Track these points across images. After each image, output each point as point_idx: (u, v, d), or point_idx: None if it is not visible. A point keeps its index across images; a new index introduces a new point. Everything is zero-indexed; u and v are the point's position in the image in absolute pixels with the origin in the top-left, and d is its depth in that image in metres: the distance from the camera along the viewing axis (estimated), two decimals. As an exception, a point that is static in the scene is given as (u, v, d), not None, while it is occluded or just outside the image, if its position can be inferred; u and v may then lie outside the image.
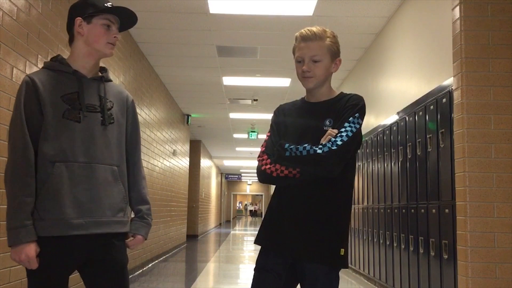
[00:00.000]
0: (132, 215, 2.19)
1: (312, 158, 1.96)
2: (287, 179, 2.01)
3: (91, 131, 2.00)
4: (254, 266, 2.15)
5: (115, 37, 2.07)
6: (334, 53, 2.11)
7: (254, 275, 2.14)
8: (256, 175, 2.17)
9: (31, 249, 1.87)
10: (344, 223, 2.09)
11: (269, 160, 2.06)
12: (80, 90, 2.01)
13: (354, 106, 2.05)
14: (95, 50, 2.05)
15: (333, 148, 1.95)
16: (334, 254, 2.03)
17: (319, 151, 1.95)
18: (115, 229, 2.03)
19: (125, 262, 2.10)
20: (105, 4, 2.04)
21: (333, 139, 1.97)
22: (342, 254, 2.04)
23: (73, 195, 1.94)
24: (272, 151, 2.09)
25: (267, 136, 2.19)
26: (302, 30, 2.12)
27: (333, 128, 2.02)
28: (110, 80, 2.16)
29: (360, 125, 2.04)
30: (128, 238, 2.13)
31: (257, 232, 2.19)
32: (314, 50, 2.07)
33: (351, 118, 2.02)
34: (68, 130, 1.96)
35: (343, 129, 1.99)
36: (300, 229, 2.03)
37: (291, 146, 2.01)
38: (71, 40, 2.08)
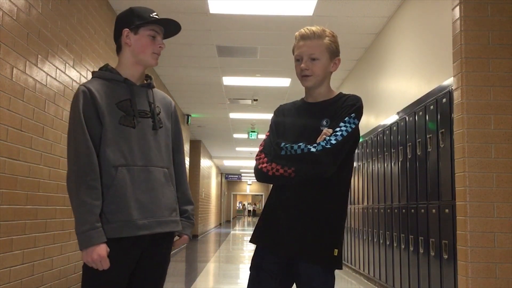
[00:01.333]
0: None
1: (306, 157, 1.97)
2: (282, 178, 2.01)
3: (144, 135, 2.10)
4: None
5: (160, 47, 2.14)
6: (333, 52, 2.12)
7: (250, 274, 2.14)
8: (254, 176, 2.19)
9: (103, 249, 1.94)
10: (338, 223, 2.09)
11: (266, 159, 2.07)
12: (132, 97, 2.10)
13: (351, 106, 2.05)
14: (141, 60, 2.13)
15: (327, 146, 1.95)
16: (328, 255, 2.03)
17: (313, 149, 1.96)
18: (173, 227, 2.14)
19: (169, 261, 2.23)
20: (151, 15, 2.11)
21: (328, 138, 1.97)
22: (336, 254, 2.03)
23: (135, 197, 2.03)
24: (270, 150, 2.10)
25: (266, 135, 2.20)
26: (302, 29, 2.13)
27: (329, 128, 2.02)
28: (154, 87, 2.25)
29: (356, 125, 2.04)
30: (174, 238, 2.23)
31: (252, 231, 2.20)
32: (312, 49, 2.08)
33: (346, 118, 2.02)
34: (125, 135, 2.05)
35: (338, 129, 2.00)
36: (295, 228, 2.04)
37: (287, 145, 2.02)
38: (118, 50, 2.16)
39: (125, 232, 1.99)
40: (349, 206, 7.86)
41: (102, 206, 1.98)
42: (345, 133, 1.99)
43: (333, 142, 1.96)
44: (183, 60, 7.92)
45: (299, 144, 1.99)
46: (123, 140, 2.04)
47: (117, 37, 2.15)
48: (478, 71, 3.47)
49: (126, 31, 2.10)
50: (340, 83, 8.87)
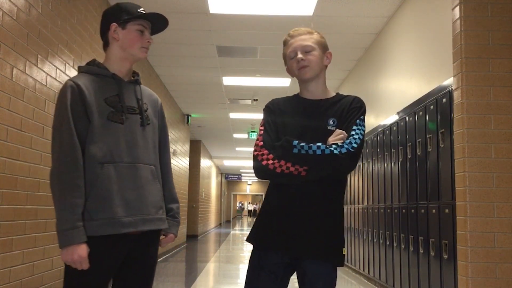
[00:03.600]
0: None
1: (327, 158, 1.96)
2: (290, 176, 1.99)
3: (132, 132, 2.08)
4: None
5: (148, 41, 2.14)
6: (324, 46, 2.17)
7: (248, 274, 2.11)
8: (254, 173, 2.14)
9: (83, 250, 1.92)
10: (343, 222, 2.13)
11: (271, 156, 2.02)
12: (120, 92, 2.09)
13: (359, 109, 2.08)
14: (130, 54, 2.12)
15: (350, 150, 1.97)
16: (338, 253, 2.06)
17: (336, 152, 1.96)
18: (158, 225, 2.12)
19: (157, 260, 2.21)
20: (138, 10, 2.11)
21: (348, 141, 1.99)
22: (344, 253, 2.08)
23: (121, 194, 2.00)
24: (271, 146, 2.05)
25: (260, 130, 2.14)
26: (290, 31, 2.20)
27: (338, 128, 2.04)
28: (141, 83, 2.24)
29: (365, 127, 2.09)
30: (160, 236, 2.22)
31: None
32: (305, 41, 2.13)
33: (358, 120, 2.05)
34: (113, 131, 2.03)
35: (353, 132, 2.01)
36: (304, 227, 2.02)
37: (302, 144, 1.98)
38: (105, 45, 2.15)
39: (109, 230, 1.96)
40: (349, 206, 7.86)
41: (86, 203, 1.95)
42: (361, 137, 2.03)
43: (355, 145, 1.98)
44: (183, 60, 7.92)
45: (318, 144, 1.97)
46: (111, 136, 2.01)
47: (104, 32, 2.13)
48: (478, 71, 3.47)
49: (114, 25, 2.09)
50: (340, 83, 8.87)
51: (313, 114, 2.11)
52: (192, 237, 15.87)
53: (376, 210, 6.18)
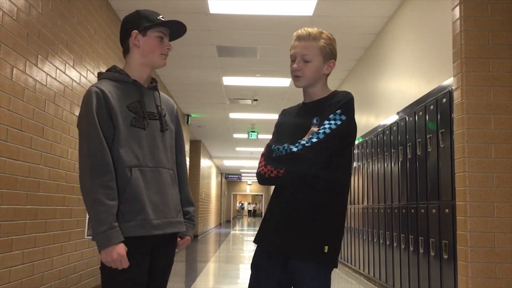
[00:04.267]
0: None
1: (289, 157, 2.01)
2: (277, 179, 2.07)
3: (153, 137, 2.13)
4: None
5: (168, 48, 2.17)
6: (327, 55, 2.11)
7: (251, 273, 2.19)
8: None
9: (122, 248, 1.95)
10: (330, 221, 2.07)
11: (263, 162, 2.13)
12: (141, 99, 2.13)
13: (337, 103, 2.05)
14: (150, 61, 2.16)
15: (307, 145, 1.99)
16: (318, 251, 2.03)
17: (294, 149, 2.01)
18: (179, 228, 2.19)
19: (173, 261, 2.26)
20: (158, 18, 2.15)
21: (310, 136, 2.01)
22: (326, 251, 2.03)
23: (148, 197, 2.06)
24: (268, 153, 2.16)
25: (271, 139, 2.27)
26: (299, 30, 2.15)
27: (319, 126, 2.05)
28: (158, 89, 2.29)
29: (343, 121, 2.02)
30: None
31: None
32: (305, 50, 2.10)
33: (331, 115, 2.03)
34: (136, 137, 2.08)
35: (322, 127, 2.02)
36: (285, 226, 2.07)
37: (276, 147, 2.08)
38: (125, 52, 2.18)
39: (142, 231, 2.02)
40: (349, 206, 7.86)
41: (119, 206, 2.00)
42: (328, 131, 1.99)
43: (314, 140, 1.99)
44: (183, 60, 7.92)
45: (283, 145, 2.05)
46: (135, 142, 2.06)
47: (125, 39, 2.16)
48: (478, 71, 3.47)
49: (135, 32, 2.12)
50: (340, 83, 8.87)
51: (303, 115, 2.16)
52: (193, 237, 15.84)
53: (376, 210, 6.18)
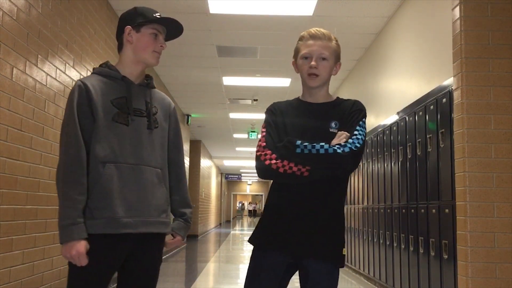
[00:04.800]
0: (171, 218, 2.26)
1: (330, 157, 1.97)
2: (293, 176, 2.00)
3: (138, 134, 2.09)
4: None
5: (161, 46, 2.15)
6: (337, 56, 2.17)
7: (248, 274, 2.12)
8: (256, 173, 2.16)
9: (82, 246, 1.94)
10: (343, 222, 2.14)
11: (274, 156, 2.03)
12: (128, 95, 2.10)
13: (360, 111, 2.11)
14: (141, 58, 2.14)
15: (354, 149, 1.99)
16: (338, 253, 2.07)
17: (339, 151, 1.98)
18: (160, 229, 2.13)
19: (160, 263, 2.21)
20: (154, 15, 2.13)
21: (351, 140, 2.01)
22: (344, 253, 2.09)
23: (122, 195, 2.02)
24: (274, 147, 2.07)
25: (263, 132, 2.17)
26: (311, 30, 2.15)
27: (340, 131, 2.06)
28: (154, 87, 2.25)
29: (365, 130, 2.11)
30: (167, 236, 2.22)
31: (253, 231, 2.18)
32: (324, 49, 2.11)
33: (360, 122, 2.08)
34: (117, 132, 2.04)
35: (356, 132, 2.05)
36: (306, 227, 2.04)
37: (305, 143, 2.00)
38: (119, 48, 2.17)
39: (108, 229, 1.98)
40: (349, 206, 7.86)
41: (88, 202, 1.98)
42: (363, 137, 2.05)
43: (358, 145, 2.01)
44: (183, 60, 7.92)
45: (321, 144, 1.99)
46: (115, 137, 2.03)
47: (119, 34, 2.16)
48: (478, 71, 3.47)
49: (128, 28, 2.12)
50: (340, 83, 8.87)
51: (314, 116, 2.13)
52: (192, 237, 15.87)
53: (376, 210, 6.18)
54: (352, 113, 2.10)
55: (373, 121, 6.64)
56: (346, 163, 1.99)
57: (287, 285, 2.13)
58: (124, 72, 2.14)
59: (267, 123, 2.17)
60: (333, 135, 2.05)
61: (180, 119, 11.69)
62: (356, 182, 7.41)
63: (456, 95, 3.55)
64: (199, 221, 16.86)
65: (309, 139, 2.01)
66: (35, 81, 3.88)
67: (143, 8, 2.15)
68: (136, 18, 2.12)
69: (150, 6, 2.24)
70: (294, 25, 6.15)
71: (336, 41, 2.16)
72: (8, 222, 3.49)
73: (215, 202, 24.87)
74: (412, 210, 4.77)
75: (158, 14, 2.15)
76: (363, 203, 6.97)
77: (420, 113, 4.62)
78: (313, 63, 2.10)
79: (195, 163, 15.98)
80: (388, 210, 5.61)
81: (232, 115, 12.17)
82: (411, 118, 4.90)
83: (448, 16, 3.82)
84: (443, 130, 4.06)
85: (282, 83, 9.07)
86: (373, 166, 6.39)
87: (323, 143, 1.99)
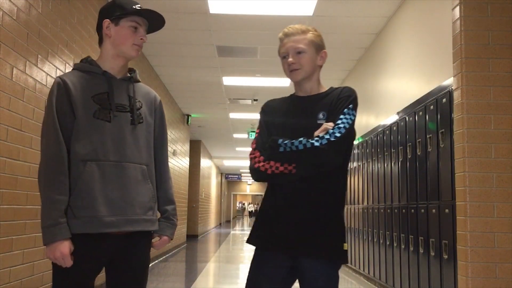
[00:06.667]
0: (158, 215, 2.21)
1: (309, 152, 1.92)
2: (283, 176, 1.98)
3: (121, 130, 2.03)
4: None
5: (141, 39, 2.08)
6: (318, 46, 2.12)
7: (249, 275, 2.11)
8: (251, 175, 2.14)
9: (65, 247, 1.90)
10: (343, 217, 2.10)
11: (262, 158, 2.02)
12: (110, 90, 2.04)
13: (348, 97, 2.04)
14: (121, 51, 2.07)
15: (331, 139, 1.92)
16: (338, 249, 2.02)
17: (316, 143, 1.92)
18: (145, 227, 2.07)
19: (148, 262, 2.15)
20: (133, 7, 2.06)
21: (331, 131, 1.94)
22: (346, 248, 2.03)
23: (104, 193, 1.97)
24: (263, 148, 2.04)
25: (256, 133, 2.15)
26: (285, 29, 2.14)
27: (327, 121, 2.00)
28: (139, 81, 2.19)
29: (355, 116, 2.02)
30: (153, 238, 2.17)
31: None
32: (297, 42, 2.09)
33: (345, 109, 2.00)
34: (99, 129, 1.99)
35: (339, 121, 1.97)
36: (301, 226, 2.00)
37: (285, 141, 1.97)
38: (100, 42, 2.11)
39: (90, 228, 1.94)
40: (349, 206, 7.86)
41: (69, 201, 1.94)
42: (347, 125, 1.97)
43: (338, 135, 1.93)
44: (183, 60, 7.92)
45: (300, 140, 1.94)
46: (96, 134, 1.98)
47: (99, 28, 2.10)
48: (478, 71, 3.47)
49: (106, 21, 2.06)
50: (340, 83, 8.87)
51: (304, 110, 2.09)
52: (192, 237, 15.86)
53: (376, 210, 6.18)
54: (339, 100, 2.03)
55: (373, 121, 6.64)
56: (326, 156, 1.92)
57: (291, 285, 2.11)
58: (105, 67, 2.07)
59: (259, 124, 2.17)
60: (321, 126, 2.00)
61: (180, 119, 11.71)
62: (356, 182, 7.41)
63: (456, 95, 3.55)
64: (199, 221, 16.86)
65: (301, 135, 1.97)
66: (35, 81, 3.88)
67: (123, 0, 2.08)
68: (114, 11, 2.05)
69: (150, 5, 2.22)
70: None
71: (314, 31, 2.12)
72: (8, 222, 3.49)
73: (215, 202, 24.87)
74: (412, 210, 4.77)
75: (139, 6, 2.08)
76: (363, 203, 6.97)
77: (420, 113, 4.62)
78: (290, 59, 2.09)
79: (195, 163, 15.98)
80: (388, 210, 5.61)
81: (232, 115, 12.17)
82: (411, 118, 4.90)
83: (448, 16, 3.82)
84: (443, 130, 4.07)
85: (282, 83, 9.06)
86: (373, 166, 6.39)
87: (301, 139, 1.94)
